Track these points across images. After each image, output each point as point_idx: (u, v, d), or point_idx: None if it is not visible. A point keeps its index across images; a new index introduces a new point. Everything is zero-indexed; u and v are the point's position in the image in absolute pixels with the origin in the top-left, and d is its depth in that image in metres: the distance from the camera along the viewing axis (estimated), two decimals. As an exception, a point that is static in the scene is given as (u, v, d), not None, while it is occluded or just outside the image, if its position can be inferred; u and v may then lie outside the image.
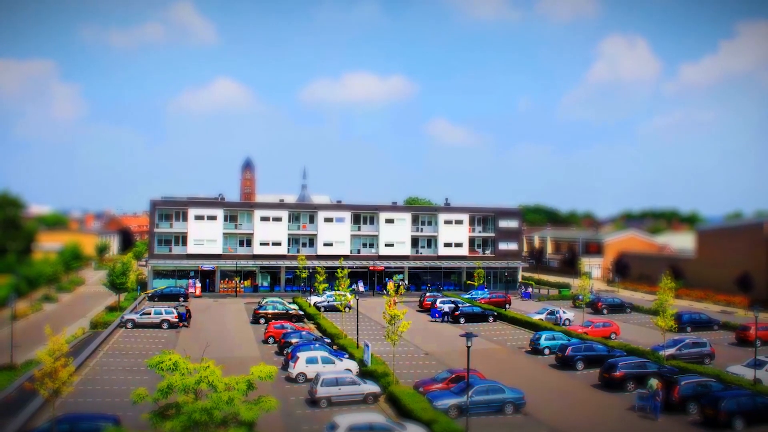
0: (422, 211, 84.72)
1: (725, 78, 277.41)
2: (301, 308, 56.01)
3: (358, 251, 78.64)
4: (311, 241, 77.48)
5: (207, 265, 72.94)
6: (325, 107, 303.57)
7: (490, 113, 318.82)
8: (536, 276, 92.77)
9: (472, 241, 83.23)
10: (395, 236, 79.31)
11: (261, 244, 75.19)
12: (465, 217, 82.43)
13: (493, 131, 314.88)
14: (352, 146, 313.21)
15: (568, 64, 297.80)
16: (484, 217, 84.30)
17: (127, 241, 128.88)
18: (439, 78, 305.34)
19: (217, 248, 73.92)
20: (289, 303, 57.76)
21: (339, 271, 51.27)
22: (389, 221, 79.48)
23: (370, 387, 29.67)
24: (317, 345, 36.64)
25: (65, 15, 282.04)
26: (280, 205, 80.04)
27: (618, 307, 61.78)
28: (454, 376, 30.77)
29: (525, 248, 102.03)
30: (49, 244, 77.69)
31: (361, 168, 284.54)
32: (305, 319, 52.49)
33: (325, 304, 58.38)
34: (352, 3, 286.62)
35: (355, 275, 72.67)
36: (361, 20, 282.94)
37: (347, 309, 52.56)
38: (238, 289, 72.09)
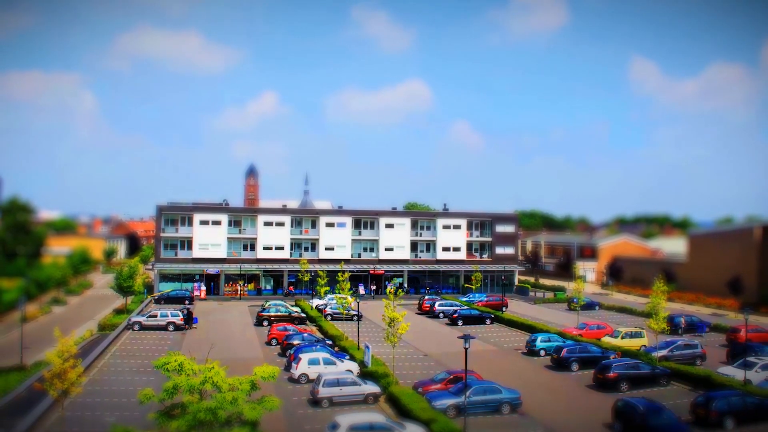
0: (421, 217, 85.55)
1: (726, 87, 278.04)
2: (303, 311, 56.80)
3: (359, 255, 79.47)
4: (313, 245, 78.36)
5: (212, 269, 73.95)
6: (337, 116, 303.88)
7: (501, 122, 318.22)
8: (532, 279, 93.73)
9: (469, 245, 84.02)
10: (395, 241, 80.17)
11: (264, 248, 76.14)
12: (463, 222, 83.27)
13: (503, 139, 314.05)
14: (354, 149, 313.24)
15: (584, 78, 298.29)
16: (481, 222, 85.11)
17: (134, 245, 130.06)
18: (461, 89, 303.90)
19: (222, 252, 74.90)
20: (292, 306, 58.55)
21: (340, 274, 52.00)
22: (389, 226, 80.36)
23: (371, 387, 30.22)
24: (319, 347, 37.32)
25: (92, 29, 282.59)
26: (283, 211, 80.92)
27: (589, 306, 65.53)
28: (452, 376, 31.23)
29: (521, 252, 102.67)
30: (58, 249, 78.68)
31: (362, 172, 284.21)
32: (307, 322, 53.29)
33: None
34: (396, 25, 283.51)
35: (355, 279, 73.45)
36: (395, 39, 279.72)
37: (348, 311, 52.97)
38: (242, 292, 73.06)
